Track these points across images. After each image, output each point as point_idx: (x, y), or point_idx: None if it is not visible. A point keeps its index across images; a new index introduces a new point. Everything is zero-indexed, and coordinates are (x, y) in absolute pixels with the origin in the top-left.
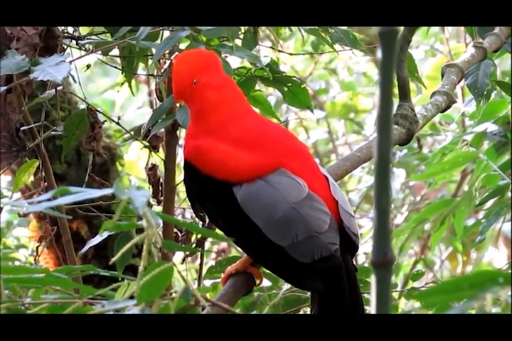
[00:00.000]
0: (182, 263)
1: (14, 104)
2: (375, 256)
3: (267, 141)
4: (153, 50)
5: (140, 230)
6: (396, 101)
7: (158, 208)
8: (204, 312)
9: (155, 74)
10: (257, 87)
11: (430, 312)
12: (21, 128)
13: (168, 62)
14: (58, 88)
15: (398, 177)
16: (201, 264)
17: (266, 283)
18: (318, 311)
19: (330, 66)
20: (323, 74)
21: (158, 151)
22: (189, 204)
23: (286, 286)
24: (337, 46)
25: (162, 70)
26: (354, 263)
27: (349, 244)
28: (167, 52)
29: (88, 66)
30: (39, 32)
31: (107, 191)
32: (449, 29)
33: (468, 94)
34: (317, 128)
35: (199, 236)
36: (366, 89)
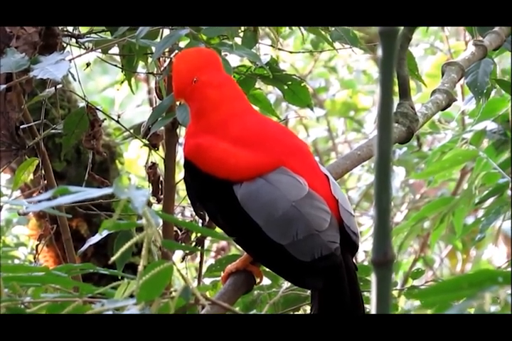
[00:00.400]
0: (182, 262)
1: (14, 103)
2: (376, 255)
3: (267, 140)
4: (153, 49)
5: (140, 228)
6: (396, 100)
7: (158, 206)
8: (204, 311)
9: (155, 72)
10: (256, 86)
11: (430, 311)
12: (21, 127)
13: (167, 60)
14: (58, 86)
15: (398, 175)
16: (201, 263)
17: (266, 281)
18: (318, 310)
19: (329, 64)
20: (323, 73)
21: (158, 149)
22: (189, 202)
23: (286, 285)
24: (337, 44)
25: (162, 68)
26: (354, 261)
27: (349, 243)
28: (167, 50)
29: (88, 64)
30: (39, 30)
31: (106, 191)
32: (448, 27)
33: (468, 93)
34: (317, 126)
35: (199, 234)
36: (366, 87)
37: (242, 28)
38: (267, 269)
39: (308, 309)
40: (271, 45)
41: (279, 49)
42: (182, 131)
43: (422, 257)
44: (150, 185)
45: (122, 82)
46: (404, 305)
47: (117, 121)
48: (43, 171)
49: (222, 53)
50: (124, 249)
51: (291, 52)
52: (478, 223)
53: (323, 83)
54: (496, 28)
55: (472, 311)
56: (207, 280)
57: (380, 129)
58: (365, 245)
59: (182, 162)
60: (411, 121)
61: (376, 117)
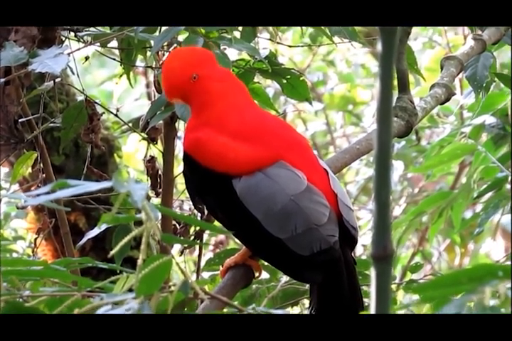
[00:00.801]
0: (180, 256)
1: (13, 96)
2: (375, 250)
3: (266, 134)
4: (152, 42)
5: (138, 222)
6: (395, 94)
7: (157, 200)
8: (203, 305)
9: (153, 66)
10: (255, 79)
11: (429, 305)
12: (20, 120)
13: (166, 54)
14: (57, 80)
15: (396, 169)
16: (199, 256)
17: (264, 275)
18: (317, 304)
19: (328, 58)
20: (322, 66)
21: (156, 143)
22: (187, 196)
23: (285, 279)
24: (336, 38)
25: (160, 62)
26: (353, 256)
27: (348, 237)
28: (165, 44)
29: (87, 58)
30: None
31: (105, 184)
32: None
33: (466, 87)
34: (315, 120)
35: (197, 228)
36: (364, 81)
37: None
38: (266, 263)
39: (306, 303)
40: (270, 39)
41: (278, 43)
42: (181, 125)
43: (421, 251)
44: (148, 178)
45: (121, 76)
46: (403, 298)
47: (116, 115)
48: (41, 165)
49: (221, 47)
50: (123, 243)
51: (290, 46)
52: (477, 217)
53: (322, 77)
54: None
55: (472, 305)
56: (205, 274)
57: (379, 123)
58: (364, 239)
59: (181, 156)
60: (410, 115)
61: (375, 111)
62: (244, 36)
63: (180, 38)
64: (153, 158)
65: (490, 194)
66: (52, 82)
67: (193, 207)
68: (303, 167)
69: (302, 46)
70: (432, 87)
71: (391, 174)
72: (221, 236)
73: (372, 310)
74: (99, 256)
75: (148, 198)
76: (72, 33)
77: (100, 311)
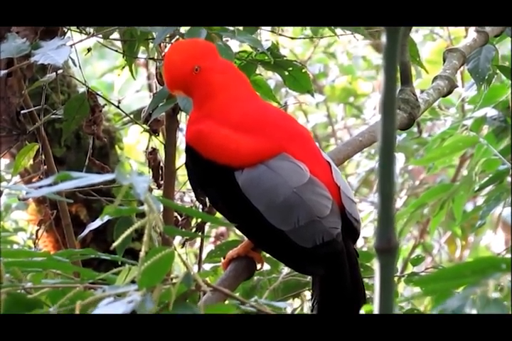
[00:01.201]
0: (182, 248)
1: (15, 88)
2: (379, 242)
3: (269, 126)
4: (154, 34)
5: (140, 214)
6: (397, 86)
7: (158, 192)
8: (205, 297)
9: (155, 57)
10: (257, 71)
11: (430, 298)
12: (21, 112)
13: (168, 45)
14: (59, 72)
15: (397, 161)
16: (201, 248)
17: (266, 267)
18: (319, 296)
19: (329, 50)
20: (323, 58)
21: (158, 135)
22: (188, 188)
23: (287, 270)
24: (338, 30)
25: (163, 54)
26: (355, 248)
27: (350, 229)
28: (168, 35)
29: (89, 50)
30: None
31: (108, 176)
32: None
33: (467, 79)
34: (316, 112)
35: (199, 220)
36: (365, 73)
37: None
38: (268, 255)
39: (308, 295)
40: (271, 31)
41: (280, 34)
42: (183, 117)
43: (421, 243)
44: (150, 170)
45: (123, 68)
46: (403, 291)
47: (118, 107)
48: (43, 156)
49: (224, 39)
50: (125, 235)
51: (292, 38)
52: (479, 210)
53: (323, 69)
54: None
55: (475, 298)
56: (207, 266)
57: (383, 115)
58: (365, 231)
59: (182, 147)
60: (412, 108)
61: (379, 103)
62: (247, 28)
63: (183, 29)
64: (154, 150)
65: (491, 186)
66: (54, 73)
67: (194, 199)
68: (305, 159)
69: (304, 38)
70: (435, 79)
71: (395, 166)
72: (222, 228)
73: (375, 302)
74: (100, 247)
75: (150, 190)
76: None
77: (102, 303)
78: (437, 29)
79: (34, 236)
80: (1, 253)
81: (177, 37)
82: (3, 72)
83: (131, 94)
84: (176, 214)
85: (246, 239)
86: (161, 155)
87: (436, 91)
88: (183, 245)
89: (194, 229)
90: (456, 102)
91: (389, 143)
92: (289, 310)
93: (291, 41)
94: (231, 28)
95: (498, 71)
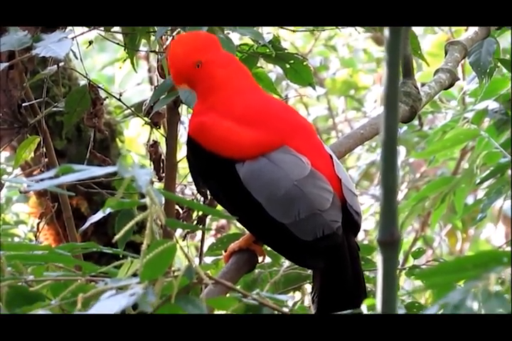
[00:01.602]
0: (183, 241)
1: (16, 81)
2: (382, 235)
3: (271, 119)
4: (156, 27)
5: (141, 207)
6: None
7: (159, 185)
8: (206, 290)
9: (157, 50)
10: (258, 64)
11: (430, 292)
12: (23, 105)
13: (170, 38)
14: (60, 64)
15: (398, 154)
16: (202, 241)
17: (267, 260)
18: (320, 289)
19: (330, 43)
20: (323, 51)
21: (159, 128)
22: (189, 181)
23: (287, 263)
24: None
25: (164, 46)
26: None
27: (351, 222)
28: (169, 28)
29: (90, 42)
30: None
31: (110, 169)
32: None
33: (468, 72)
34: (317, 104)
35: (200, 213)
36: (366, 65)
37: None
38: (269, 248)
39: (308, 288)
40: None
41: (281, 27)
42: (184, 110)
43: (422, 236)
44: (151, 163)
45: (124, 60)
46: (404, 283)
47: (119, 100)
48: (44, 149)
49: (225, 31)
50: (127, 228)
51: (293, 31)
52: (480, 203)
53: (323, 61)
54: None
55: (476, 292)
56: (208, 259)
57: (386, 108)
58: (366, 224)
59: (183, 140)
60: (414, 101)
61: (380, 96)
62: None
63: None
64: (156, 143)
65: (492, 180)
66: (55, 66)
67: (195, 192)
68: (307, 152)
69: (305, 31)
70: (436, 72)
71: (398, 159)
72: (223, 221)
73: (378, 296)
74: (101, 240)
75: (151, 183)
76: None
77: (104, 296)
78: None
79: (35, 229)
80: (2, 247)
81: (178, 29)
82: (5, 64)
83: (132, 87)
84: (177, 207)
85: (247, 232)
86: (162, 148)
87: (438, 84)
88: (184, 238)
89: (195, 222)
90: (457, 95)
91: (392, 137)
92: (290, 303)
93: (292, 34)
94: None
95: (499, 64)
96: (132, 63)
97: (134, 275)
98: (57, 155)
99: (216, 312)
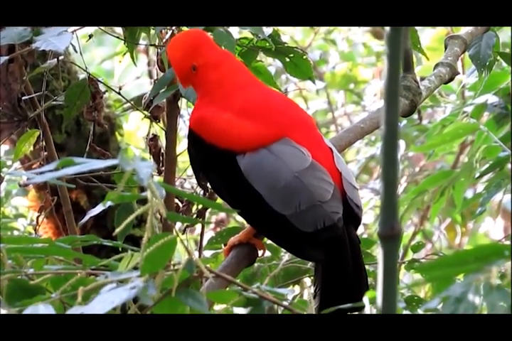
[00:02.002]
0: (183, 234)
1: (16, 74)
2: (382, 229)
3: (271, 111)
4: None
5: (139, 201)
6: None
7: (159, 178)
8: (207, 284)
9: (156, 44)
10: (257, 58)
11: (430, 286)
12: (23, 98)
13: (170, 32)
14: (60, 58)
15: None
16: (202, 235)
17: (266, 254)
18: (322, 282)
19: (329, 37)
20: (323, 45)
21: (159, 121)
22: (189, 174)
23: (287, 257)
24: None
25: (164, 40)
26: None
27: (352, 215)
28: None
29: (90, 36)
30: None
31: (111, 162)
32: None
33: (468, 66)
34: (316, 98)
35: (200, 206)
36: (365, 59)
37: None
38: (269, 242)
39: (308, 282)
40: None
41: None
42: (183, 104)
43: (422, 230)
44: (151, 157)
45: (124, 54)
46: (403, 277)
47: (119, 93)
48: (43, 143)
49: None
50: (127, 222)
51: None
52: (479, 197)
53: (322, 55)
54: None
55: (478, 285)
56: (207, 253)
57: (387, 103)
58: (365, 218)
59: (183, 134)
60: (414, 95)
61: (381, 91)
62: None
63: None
64: (155, 137)
65: (491, 173)
66: (55, 59)
67: (195, 186)
68: (307, 144)
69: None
70: (436, 66)
71: (398, 153)
72: (222, 215)
73: (378, 289)
74: (100, 233)
75: (151, 176)
76: None
77: (105, 289)
78: None
79: (34, 223)
80: (2, 240)
81: None
82: (5, 58)
83: (131, 81)
84: (176, 200)
85: (247, 225)
86: (162, 141)
87: (438, 78)
88: (183, 232)
89: (195, 216)
90: (456, 89)
91: (392, 131)
92: (290, 297)
93: (291, 28)
94: None
95: (498, 57)
96: (132, 57)
97: (135, 268)
98: (57, 149)
99: (216, 305)
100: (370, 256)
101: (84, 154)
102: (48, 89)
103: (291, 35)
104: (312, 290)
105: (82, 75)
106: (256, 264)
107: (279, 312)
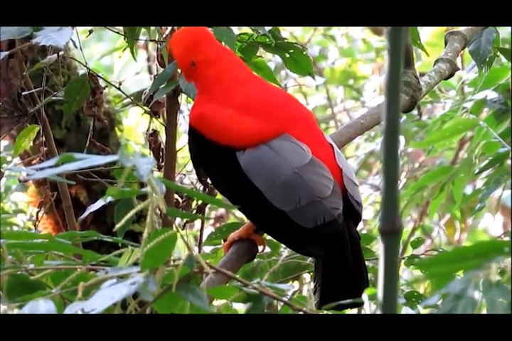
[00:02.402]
0: (182, 230)
1: (16, 69)
2: (383, 224)
3: (271, 107)
4: None
5: (139, 196)
6: None
7: (158, 174)
8: (207, 279)
9: (156, 39)
10: (257, 53)
11: (431, 282)
12: (23, 94)
13: (170, 28)
14: (60, 53)
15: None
16: (201, 230)
17: (266, 249)
18: (322, 278)
19: (328, 33)
20: (322, 41)
21: (159, 117)
22: (189, 170)
23: (286, 253)
24: None
25: (164, 36)
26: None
27: (352, 212)
28: None
29: (90, 31)
30: None
31: (111, 158)
32: None
33: (468, 62)
34: (316, 94)
35: (199, 202)
36: (365, 55)
37: None
38: (269, 237)
39: (307, 277)
40: None
41: None
42: (183, 99)
43: (421, 226)
44: (151, 152)
45: (124, 49)
46: (402, 273)
47: (119, 89)
48: (43, 138)
49: None
50: (128, 217)
51: None
52: (478, 193)
53: (322, 51)
54: None
55: (477, 281)
56: (206, 249)
57: (388, 98)
58: (364, 214)
59: (183, 129)
60: (414, 90)
61: (381, 86)
62: None
63: None
64: (155, 132)
65: (491, 169)
66: (55, 55)
67: (194, 181)
68: (308, 140)
69: None
70: (436, 62)
71: (399, 149)
72: (221, 210)
73: (379, 285)
74: (100, 229)
75: (151, 172)
76: None
77: (105, 285)
78: None
79: (34, 218)
80: (2, 235)
81: None
82: (5, 53)
83: (131, 76)
84: (176, 196)
85: (247, 221)
86: (162, 137)
87: (438, 74)
88: (183, 227)
89: (195, 211)
90: (456, 85)
91: (393, 126)
92: (290, 293)
93: None
94: None
95: (498, 53)
96: (132, 52)
97: (135, 264)
98: (57, 144)
99: (216, 301)
100: (369, 252)
101: (84, 149)
102: (48, 84)
103: (290, 31)
104: (312, 285)
105: (82, 71)
106: (256, 260)
107: (279, 308)
